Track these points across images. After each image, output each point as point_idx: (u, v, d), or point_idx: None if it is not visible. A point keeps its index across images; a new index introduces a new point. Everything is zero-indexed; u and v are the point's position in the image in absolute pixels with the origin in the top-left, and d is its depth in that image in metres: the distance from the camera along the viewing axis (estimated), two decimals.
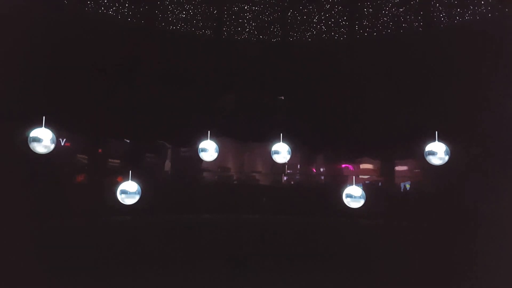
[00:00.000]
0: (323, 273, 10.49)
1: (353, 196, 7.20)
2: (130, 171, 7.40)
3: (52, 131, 6.82)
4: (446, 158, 6.47)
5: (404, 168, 14.85)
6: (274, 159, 8.31)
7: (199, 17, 14.36)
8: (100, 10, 12.93)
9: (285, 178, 16.58)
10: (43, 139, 6.69)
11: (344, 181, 10.75)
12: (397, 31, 13.79)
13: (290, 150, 8.25)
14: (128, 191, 7.31)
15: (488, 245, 9.41)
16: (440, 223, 10.95)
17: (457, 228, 10.62)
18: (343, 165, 16.30)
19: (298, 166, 16.52)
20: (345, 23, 14.63)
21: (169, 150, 15.46)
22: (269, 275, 10.23)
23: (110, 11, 13.15)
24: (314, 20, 14.66)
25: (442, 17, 12.97)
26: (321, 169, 16.42)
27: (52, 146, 6.84)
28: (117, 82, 12.81)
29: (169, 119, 13.02)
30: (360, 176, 15.83)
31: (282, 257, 11.69)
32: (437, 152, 6.47)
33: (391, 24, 13.87)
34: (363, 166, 16.43)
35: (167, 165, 15.45)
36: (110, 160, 14.26)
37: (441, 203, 11.38)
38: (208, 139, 8.23)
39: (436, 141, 6.58)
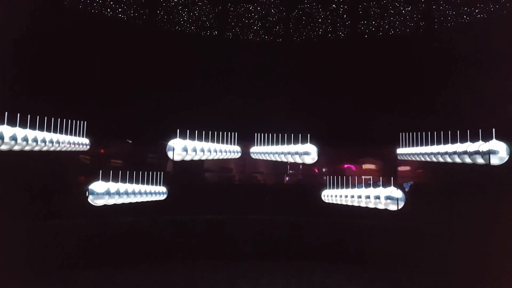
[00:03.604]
0: (325, 273, 10.49)
1: (394, 198, 7.08)
2: (100, 171, 7.38)
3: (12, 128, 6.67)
4: (507, 158, 6.08)
5: (407, 168, 14.78)
6: (302, 159, 8.46)
7: (204, 18, 14.45)
8: (106, 12, 13.05)
9: (287, 178, 16.56)
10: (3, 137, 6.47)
11: (346, 182, 10.74)
12: (403, 30, 13.80)
13: (318, 151, 8.51)
14: (96, 192, 7.30)
15: (491, 245, 9.38)
16: (443, 223, 10.92)
17: (459, 228, 10.59)
18: (345, 165, 16.27)
19: (300, 166, 16.47)
20: (351, 22, 14.69)
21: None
22: (270, 275, 10.23)
23: (117, 12, 13.26)
24: (319, 20, 14.70)
25: (449, 16, 12.94)
26: (324, 169, 16.38)
27: (12, 143, 6.66)
28: (121, 83, 12.89)
29: (171, 119, 13.06)
30: (363, 177, 15.71)
31: (283, 257, 11.70)
32: (499, 151, 6.06)
33: (397, 24, 13.86)
34: (366, 166, 16.38)
35: (169, 165, 15.46)
36: (112, 160, 14.29)
37: (443, 202, 11.33)
38: (177, 137, 8.36)
39: (494, 139, 6.22)
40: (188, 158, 8.57)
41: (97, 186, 7.42)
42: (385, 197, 7.19)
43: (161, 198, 9.97)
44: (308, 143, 8.70)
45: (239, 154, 10.89)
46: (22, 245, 9.27)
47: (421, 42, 13.11)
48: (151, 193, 9.61)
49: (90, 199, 7.35)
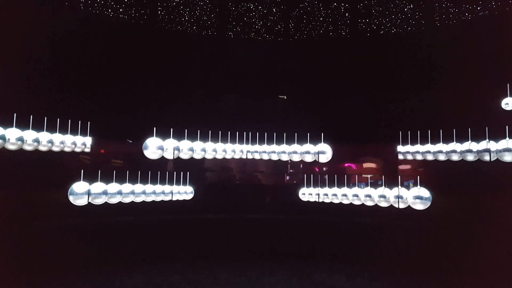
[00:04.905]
0: (325, 272, 10.48)
1: (423, 198, 7.17)
2: (82, 171, 7.40)
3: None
4: None
5: (408, 167, 14.71)
6: (316, 158, 8.78)
7: (205, 17, 14.49)
8: (106, 12, 13.08)
9: (287, 178, 16.52)
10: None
11: (347, 180, 10.74)
12: (405, 28, 13.80)
13: (332, 150, 8.74)
14: (76, 192, 7.33)
15: (491, 244, 9.36)
16: (443, 222, 10.89)
17: (459, 227, 10.57)
18: (346, 164, 16.21)
19: (301, 165, 16.41)
20: (352, 21, 14.71)
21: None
22: (271, 275, 10.22)
23: (118, 12, 13.29)
24: (320, 18, 14.73)
25: (451, 13, 12.94)
26: (324, 168, 16.31)
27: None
28: (121, 83, 12.90)
29: (172, 119, 13.07)
30: (363, 175, 15.71)
31: (283, 256, 11.70)
32: None
33: (399, 22, 13.87)
34: (366, 165, 16.31)
35: (170, 165, 15.44)
36: (113, 160, 14.27)
37: (443, 202, 11.30)
38: (155, 136, 8.63)
39: (507, 138, 6.42)
40: (169, 157, 8.77)
41: (78, 186, 7.43)
42: (413, 196, 7.29)
43: (168, 198, 10.08)
44: (322, 142, 9.06)
45: (240, 155, 10.91)
46: (22, 245, 9.29)
47: (423, 40, 13.08)
48: (153, 193, 9.63)
49: (71, 199, 7.37)
